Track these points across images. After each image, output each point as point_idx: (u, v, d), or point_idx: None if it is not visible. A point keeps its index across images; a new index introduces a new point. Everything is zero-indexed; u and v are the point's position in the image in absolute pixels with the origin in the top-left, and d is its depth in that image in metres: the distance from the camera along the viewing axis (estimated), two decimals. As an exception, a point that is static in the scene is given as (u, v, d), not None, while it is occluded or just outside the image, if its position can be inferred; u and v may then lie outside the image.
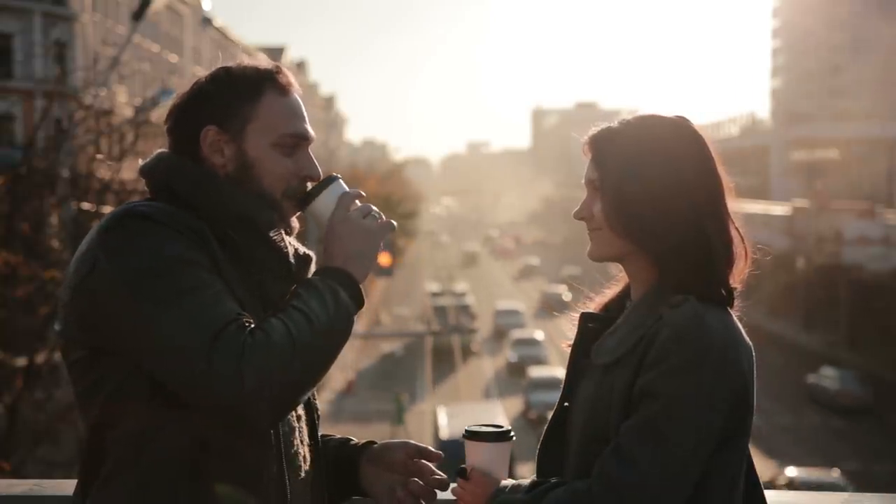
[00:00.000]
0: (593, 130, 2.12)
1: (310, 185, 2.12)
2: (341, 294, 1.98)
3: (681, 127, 2.07)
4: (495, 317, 48.74)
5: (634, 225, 2.03)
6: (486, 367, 40.50)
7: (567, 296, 54.78)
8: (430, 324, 41.38)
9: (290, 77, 2.14)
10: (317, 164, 2.14)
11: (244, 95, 2.07)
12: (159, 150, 2.14)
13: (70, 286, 1.98)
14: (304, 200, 2.10)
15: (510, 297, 57.67)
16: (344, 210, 2.08)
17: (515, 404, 31.41)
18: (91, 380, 1.97)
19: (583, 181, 2.13)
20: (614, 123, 2.11)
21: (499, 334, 45.84)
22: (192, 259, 1.92)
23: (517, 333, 41.52)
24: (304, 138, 2.11)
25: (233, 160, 2.07)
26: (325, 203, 2.10)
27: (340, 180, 2.11)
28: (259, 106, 2.07)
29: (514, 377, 36.30)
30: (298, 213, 2.15)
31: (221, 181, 2.06)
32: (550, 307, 57.42)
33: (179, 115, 2.11)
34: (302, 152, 2.12)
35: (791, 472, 22.53)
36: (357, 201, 2.11)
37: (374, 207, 2.11)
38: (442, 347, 41.28)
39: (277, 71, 2.11)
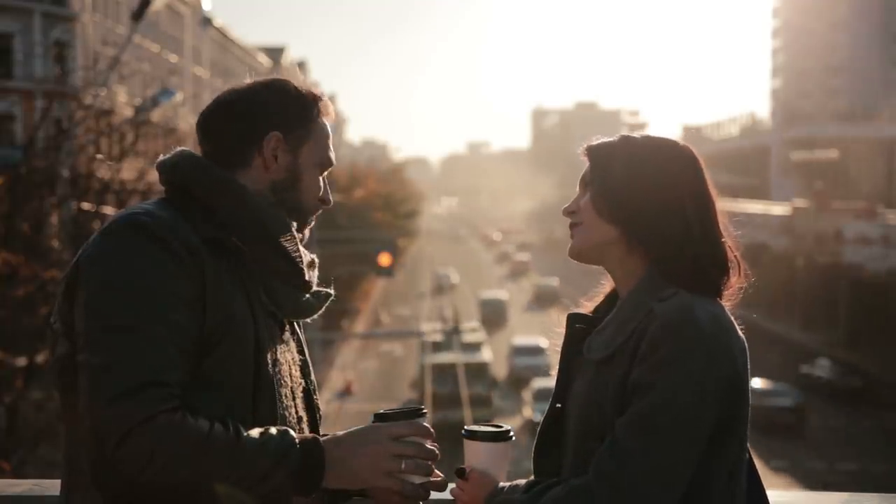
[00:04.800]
0: (594, 141, 2.17)
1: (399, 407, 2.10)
2: (280, 475, 1.91)
3: (677, 146, 2.13)
4: (511, 356, 36.85)
5: (621, 207, 2.06)
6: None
7: (520, 254, 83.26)
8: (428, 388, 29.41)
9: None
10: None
11: (306, 113, 2.18)
12: (181, 148, 2.16)
13: (62, 282, 2.01)
14: (388, 415, 2.08)
15: (529, 331, 42.46)
16: (393, 436, 2.02)
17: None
18: (69, 379, 1.95)
19: (578, 187, 2.18)
20: (615, 137, 2.17)
21: (516, 382, 34.52)
22: (164, 290, 1.91)
23: (539, 382, 30.02)
24: (332, 164, 2.25)
25: (283, 169, 2.15)
26: (401, 422, 2.06)
27: (426, 416, 2.10)
28: (315, 126, 2.20)
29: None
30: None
31: (244, 188, 2.09)
32: (507, 265, 75.52)
33: (236, 117, 2.14)
34: (323, 175, 2.24)
35: None
36: (423, 447, 2.03)
37: (420, 463, 2.03)
38: (446, 427, 23.00)
39: (321, 97, 2.24)
